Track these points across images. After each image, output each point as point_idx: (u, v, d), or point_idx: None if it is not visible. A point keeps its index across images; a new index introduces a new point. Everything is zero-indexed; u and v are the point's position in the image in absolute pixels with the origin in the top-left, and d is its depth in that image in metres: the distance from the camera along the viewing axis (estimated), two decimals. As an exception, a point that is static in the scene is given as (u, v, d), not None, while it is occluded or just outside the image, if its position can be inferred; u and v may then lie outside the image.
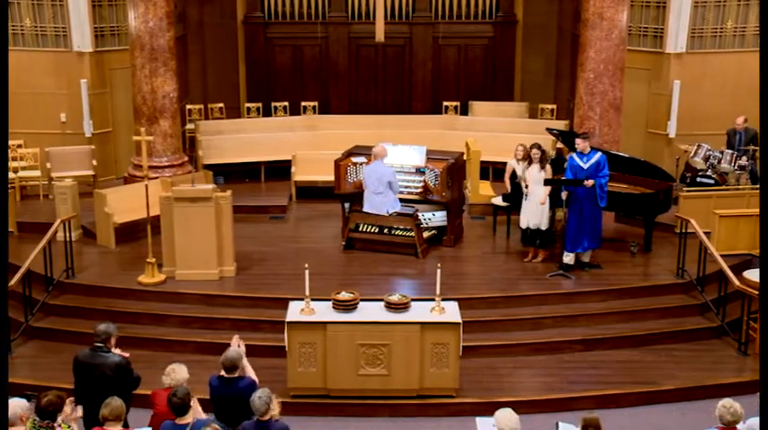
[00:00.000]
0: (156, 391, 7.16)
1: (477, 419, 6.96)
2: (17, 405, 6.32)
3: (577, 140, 11.23)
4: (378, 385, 8.95)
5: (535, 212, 11.32)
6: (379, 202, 11.65)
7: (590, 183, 11.01)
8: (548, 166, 11.28)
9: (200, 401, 7.17)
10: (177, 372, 7.03)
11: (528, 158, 11.35)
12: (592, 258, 11.49)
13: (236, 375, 7.14)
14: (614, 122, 12.98)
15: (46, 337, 10.35)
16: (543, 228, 11.38)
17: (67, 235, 11.43)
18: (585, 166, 11.10)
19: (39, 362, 9.85)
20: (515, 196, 11.81)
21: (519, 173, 11.65)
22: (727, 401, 6.54)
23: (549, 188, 11.18)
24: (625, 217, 12.78)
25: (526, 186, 11.31)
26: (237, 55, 17.57)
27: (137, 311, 10.50)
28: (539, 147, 11.28)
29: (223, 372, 7.15)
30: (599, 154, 11.20)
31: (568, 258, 11.32)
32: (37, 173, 14.15)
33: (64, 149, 14.15)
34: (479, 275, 11.36)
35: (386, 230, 11.83)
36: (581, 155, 11.19)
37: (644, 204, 11.98)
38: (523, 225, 11.52)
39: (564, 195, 11.02)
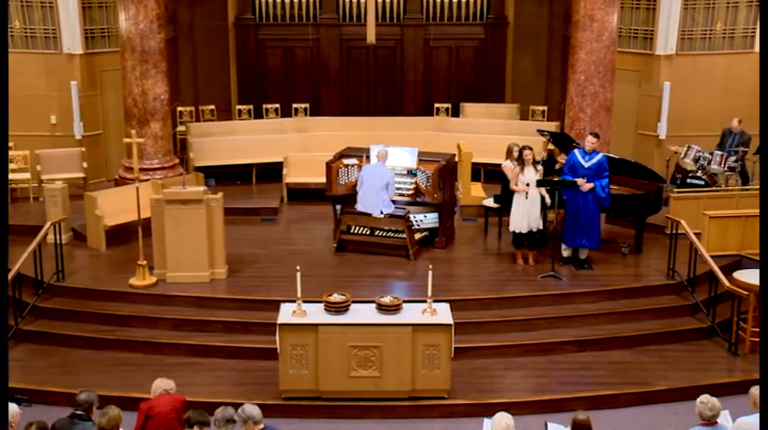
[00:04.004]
0: (149, 401, 7.09)
1: (485, 420, 6.93)
2: (9, 409, 6.29)
3: (591, 139, 11.22)
4: (369, 387, 8.94)
5: (537, 215, 11.20)
6: (374, 203, 11.62)
7: (587, 186, 11.02)
8: (539, 167, 11.28)
9: (191, 403, 7.16)
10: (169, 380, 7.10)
11: (521, 161, 11.21)
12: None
13: None
14: (605, 124, 13.01)
15: (36, 341, 10.29)
16: (540, 227, 11.34)
17: (58, 237, 11.39)
18: (587, 165, 11.16)
19: (29, 365, 9.78)
20: (507, 198, 11.80)
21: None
22: (704, 397, 6.54)
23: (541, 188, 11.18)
24: (616, 218, 12.80)
25: (527, 185, 11.12)
26: (228, 57, 17.54)
27: (128, 314, 10.46)
28: (530, 148, 11.28)
29: None
30: (600, 154, 11.27)
31: (567, 252, 11.41)
32: (27, 175, 14.09)
33: (54, 152, 14.11)
34: (471, 277, 11.35)
35: (377, 232, 11.83)
36: (584, 153, 11.23)
37: (634, 205, 12.01)
38: (525, 229, 11.24)
39: (563, 195, 11.01)
